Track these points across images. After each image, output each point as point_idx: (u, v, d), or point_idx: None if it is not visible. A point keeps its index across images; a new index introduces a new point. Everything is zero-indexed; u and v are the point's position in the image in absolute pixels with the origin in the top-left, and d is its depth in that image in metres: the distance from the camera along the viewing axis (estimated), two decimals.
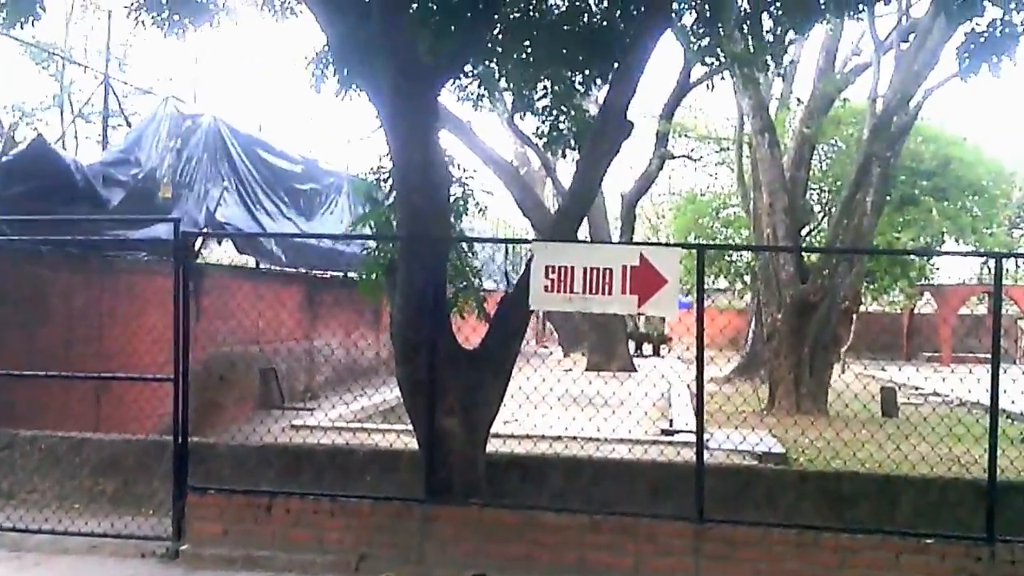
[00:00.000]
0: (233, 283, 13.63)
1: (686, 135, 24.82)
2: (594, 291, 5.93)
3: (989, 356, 5.96)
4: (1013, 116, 64.34)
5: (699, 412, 6.17)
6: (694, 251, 7.06)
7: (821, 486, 7.19)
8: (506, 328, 6.47)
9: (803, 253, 15.58)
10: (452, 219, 7.21)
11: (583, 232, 26.04)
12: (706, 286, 23.01)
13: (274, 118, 41.20)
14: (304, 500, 6.48)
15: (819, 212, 25.96)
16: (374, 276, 6.81)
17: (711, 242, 24.67)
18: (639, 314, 26.94)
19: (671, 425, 12.58)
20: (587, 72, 7.30)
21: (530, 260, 6.06)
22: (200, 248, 13.04)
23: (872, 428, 10.87)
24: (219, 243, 14.65)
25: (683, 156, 25.12)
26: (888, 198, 27.42)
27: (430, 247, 6.14)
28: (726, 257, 28.00)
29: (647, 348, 32.78)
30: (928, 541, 5.65)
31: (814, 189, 26.13)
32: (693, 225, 28.37)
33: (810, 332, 14.91)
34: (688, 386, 18.99)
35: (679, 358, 30.03)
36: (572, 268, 5.93)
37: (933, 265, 37.55)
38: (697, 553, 6.00)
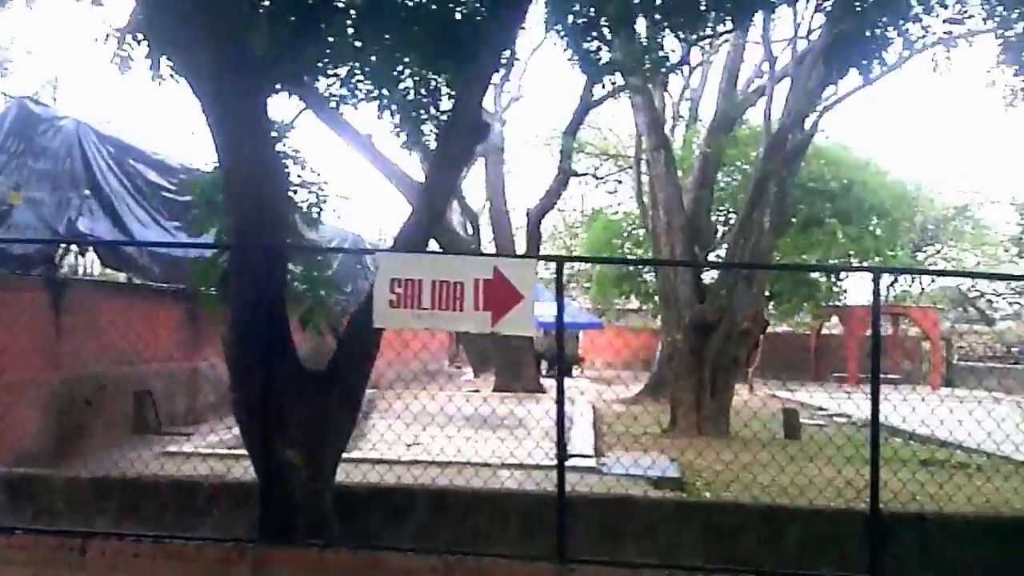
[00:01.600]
0: (101, 299, 12.65)
1: (584, 152, 24.67)
2: (444, 307, 5.37)
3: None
4: (920, 141, 66.74)
5: (560, 440, 5.62)
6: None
7: (704, 517, 6.76)
8: (355, 348, 5.84)
9: (701, 273, 15.28)
10: (305, 226, 6.61)
11: (490, 250, 25.56)
12: (619, 306, 22.73)
13: (162, 126, 39.88)
14: (123, 541, 5.72)
15: (724, 233, 26.03)
16: (214, 288, 6.14)
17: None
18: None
19: (566, 450, 12.02)
20: (451, 71, 6.76)
21: None
22: (60, 261, 12.05)
23: (772, 451, 10.57)
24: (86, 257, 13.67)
25: (586, 174, 24.90)
26: (793, 220, 27.79)
27: (262, 257, 5.50)
28: (638, 277, 27.94)
29: None
30: None
31: (721, 210, 26.24)
32: (604, 245, 28.21)
33: (709, 353, 14.62)
34: (593, 407, 18.62)
35: (590, 378, 29.78)
36: (420, 282, 5.36)
37: (841, 287, 38.28)
38: None
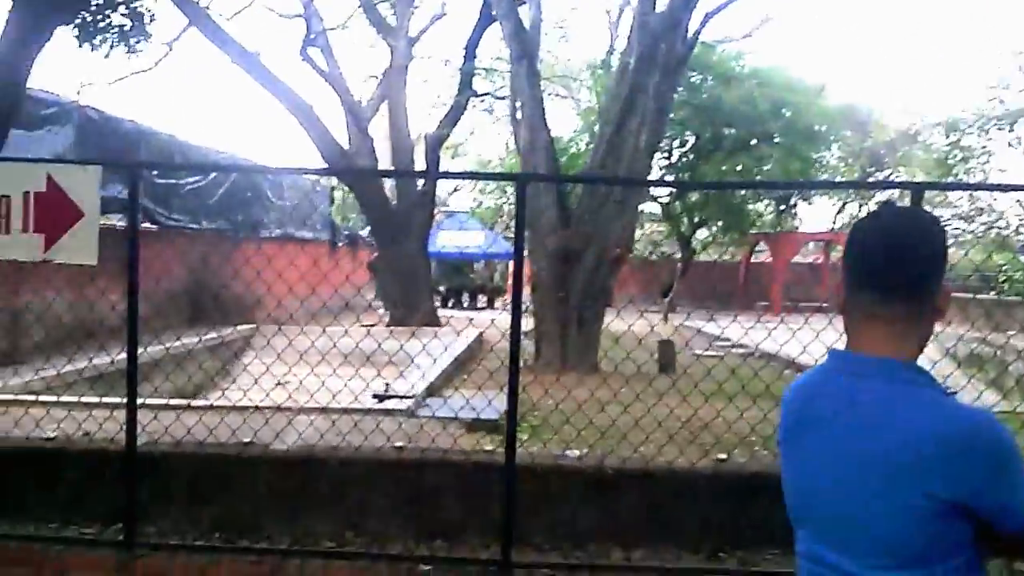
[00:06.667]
0: None
1: (487, 71, 23.29)
2: None
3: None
4: (868, 65, 65.37)
5: (130, 382, 4.49)
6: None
7: (400, 478, 5.65)
8: None
9: (564, 197, 14.01)
10: None
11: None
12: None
13: None
14: None
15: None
16: None
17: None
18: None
19: (386, 390, 10.97)
20: None
21: None
22: None
23: (634, 386, 9.53)
24: None
25: (487, 94, 23.47)
26: (721, 143, 26.60)
27: None
28: None
29: (481, 299, 31.43)
30: (425, 568, 4.18)
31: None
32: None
33: (576, 282, 13.54)
34: (481, 337, 17.60)
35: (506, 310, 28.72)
36: None
37: (792, 212, 36.98)
38: None
